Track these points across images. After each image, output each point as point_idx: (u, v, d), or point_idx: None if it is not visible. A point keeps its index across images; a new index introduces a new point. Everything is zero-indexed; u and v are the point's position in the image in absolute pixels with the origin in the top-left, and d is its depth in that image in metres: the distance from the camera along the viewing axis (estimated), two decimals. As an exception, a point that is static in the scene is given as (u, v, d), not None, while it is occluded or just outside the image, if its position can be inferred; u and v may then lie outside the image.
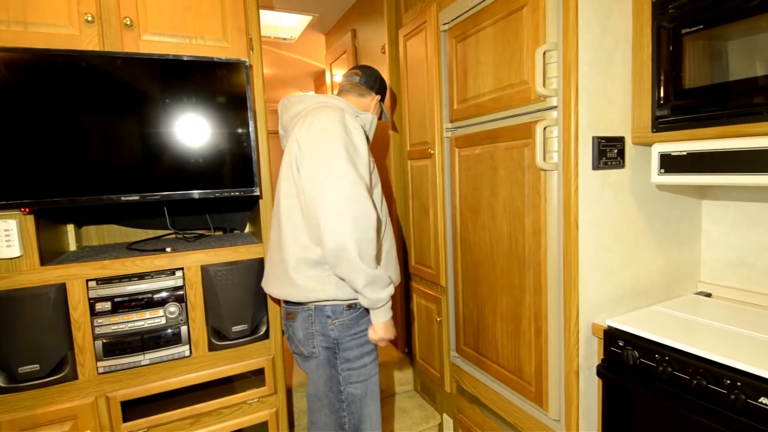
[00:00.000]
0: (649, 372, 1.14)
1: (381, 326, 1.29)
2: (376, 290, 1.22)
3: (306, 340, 1.30)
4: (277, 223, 1.34)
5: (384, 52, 2.35)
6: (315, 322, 1.29)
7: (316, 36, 3.54)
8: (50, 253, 1.46)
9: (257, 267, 1.60)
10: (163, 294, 1.48)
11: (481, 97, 1.58)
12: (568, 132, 1.26)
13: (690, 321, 1.25)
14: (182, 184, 1.46)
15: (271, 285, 1.38)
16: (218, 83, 1.47)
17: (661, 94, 1.26)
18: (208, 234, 1.90)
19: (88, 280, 1.40)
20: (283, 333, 1.52)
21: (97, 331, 1.41)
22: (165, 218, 1.78)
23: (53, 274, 1.36)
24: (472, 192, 1.69)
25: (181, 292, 1.50)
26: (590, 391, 1.34)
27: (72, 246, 1.70)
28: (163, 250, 1.53)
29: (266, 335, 1.64)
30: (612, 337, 1.24)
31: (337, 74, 3.41)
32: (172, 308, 1.48)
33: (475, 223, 1.68)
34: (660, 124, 1.27)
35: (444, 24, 1.76)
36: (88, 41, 1.35)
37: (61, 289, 1.36)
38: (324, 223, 1.17)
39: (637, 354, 1.17)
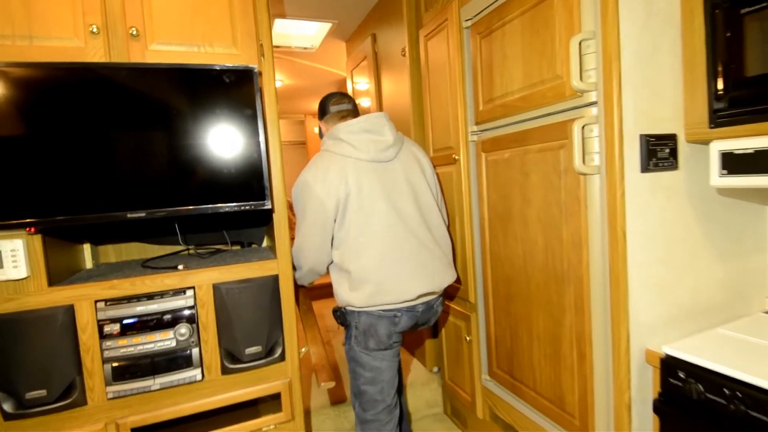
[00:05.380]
0: (717, 410, 0.97)
1: None
2: None
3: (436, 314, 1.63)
4: (420, 223, 1.50)
5: (404, 55, 2.25)
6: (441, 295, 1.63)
7: (337, 43, 3.49)
8: (62, 273, 1.42)
9: (272, 284, 1.50)
10: (174, 315, 1.40)
11: (509, 96, 1.44)
12: (611, 130, 1.11)
13: (763, 347, 1.06)
14: (189, 199, 1.38)
15: (436, 276, 1.51)
16: (227, 92, 1.39)
17: (719, 85, 1.10)
18: (225, 249, 1.83)
19: (96, 301, 1.34)
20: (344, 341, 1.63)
21: (106, 354, 1.34)
22: (184, 234, 1.72)
23: (61, 296, 1.30)
24: (501, 200, 1.55)
25: (192, 312, 1.42)
26: (645, 428, 1.16)
27: (89, 264, 1.66)
28: (175, 268, 1.46)
29: (282, 357, 1.54)
30: (670, 367, 1.07)
31: (359, 82, 3.33)
32: (183, 330, 1.41)
33: (506, 234, 1.54)
34: (719, 119, 1.10)
35: (466, 20, 1.64)
36: (94, 53, 1.31)
37: (70, 311, 1.31)
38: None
39: (701, 388, 1.00)
